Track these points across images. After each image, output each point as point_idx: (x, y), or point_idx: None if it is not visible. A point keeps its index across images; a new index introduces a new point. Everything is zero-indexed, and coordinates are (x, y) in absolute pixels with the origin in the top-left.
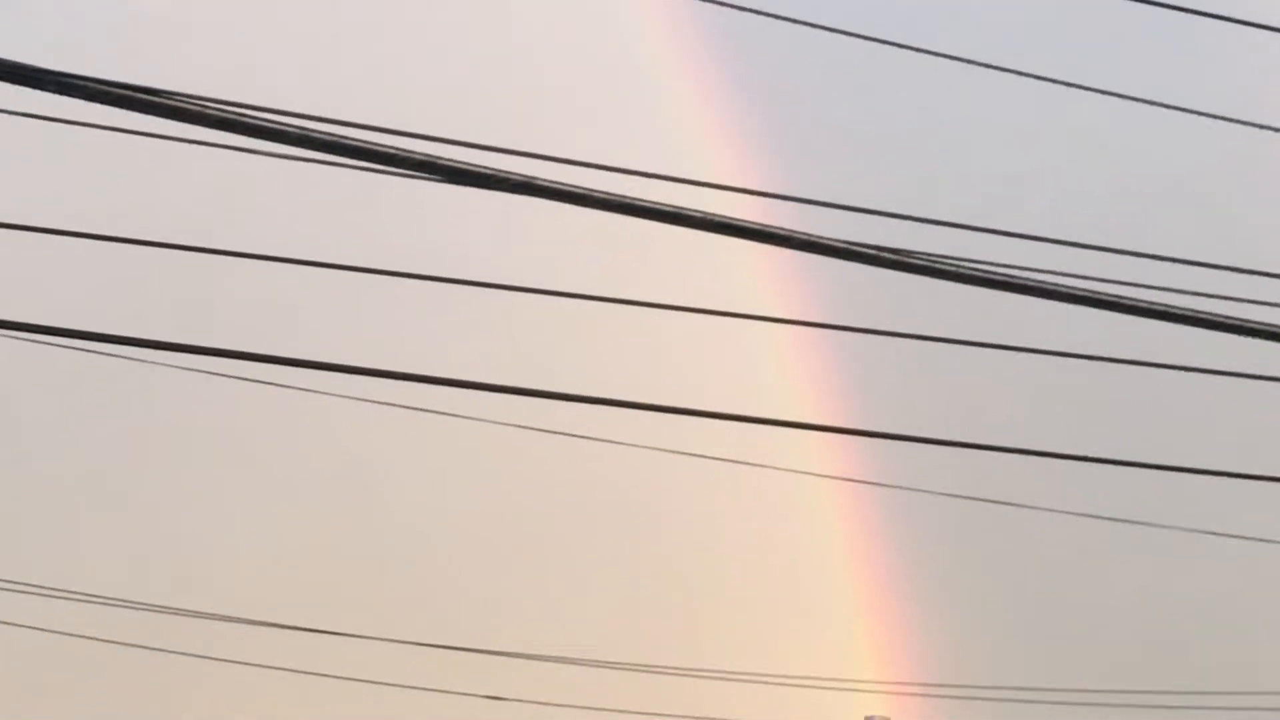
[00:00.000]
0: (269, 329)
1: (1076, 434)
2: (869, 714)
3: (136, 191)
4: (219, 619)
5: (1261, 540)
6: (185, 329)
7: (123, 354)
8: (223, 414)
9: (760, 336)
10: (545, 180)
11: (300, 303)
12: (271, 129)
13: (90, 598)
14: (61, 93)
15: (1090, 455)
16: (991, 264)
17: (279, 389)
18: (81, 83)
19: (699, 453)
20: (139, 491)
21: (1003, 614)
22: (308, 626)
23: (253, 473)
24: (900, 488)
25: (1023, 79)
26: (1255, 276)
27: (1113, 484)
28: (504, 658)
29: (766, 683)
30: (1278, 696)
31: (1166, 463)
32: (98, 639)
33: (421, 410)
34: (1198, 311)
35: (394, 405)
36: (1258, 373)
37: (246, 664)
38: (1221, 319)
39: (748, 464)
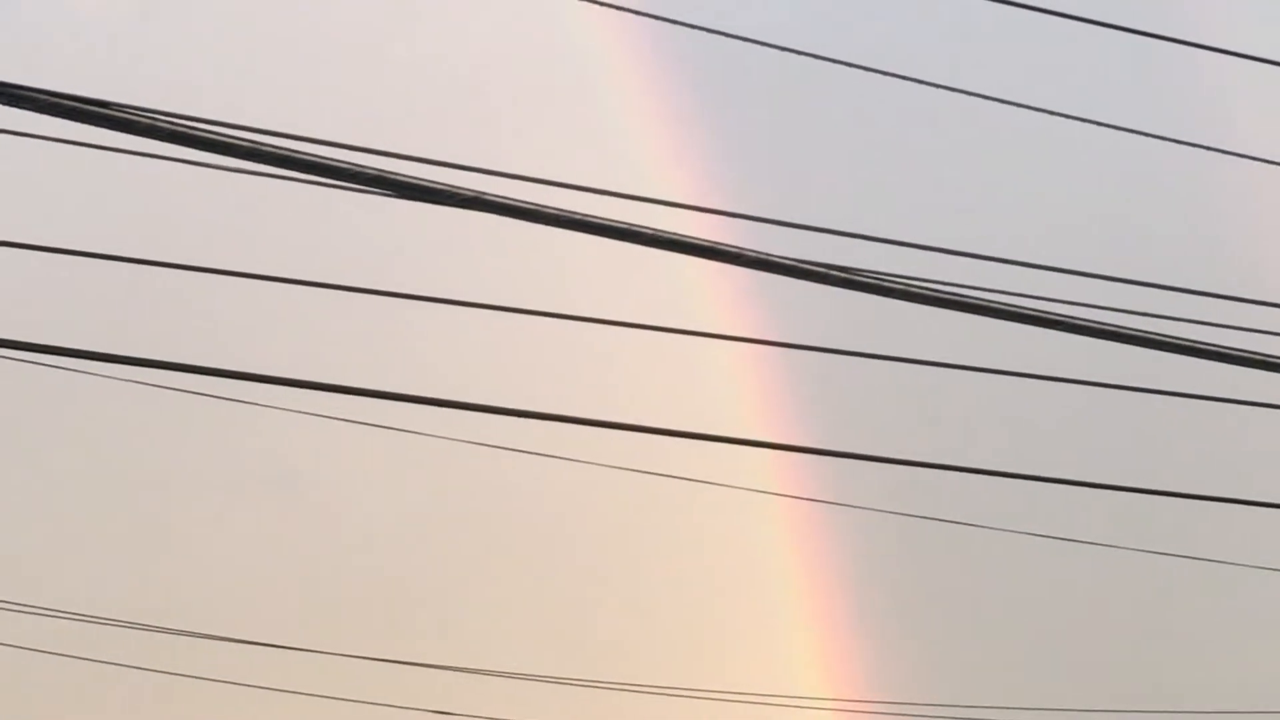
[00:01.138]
0: (218, 341)
1: (1028, 453)
2: None
3: (74, 202)
4: (151, 630)
5: (1213, 561)
6: (127, 341)
7: (52, 364)
8: (158, 425)
9: (710, 354)
10: (494, 195)
11: (245, 314)
12: (222, 142)
13: (10, 606)
14: (10, 104)
15: (1042, 475)
16: (942, 283)
17: (213, 400)
18: (31, 94)
19: (649, 469)
20: (64, 502)
21: (955, 633)
22: (247, 639)
23: (189, 484)
24: (852, 506)
25: (979, 99)
26: (1203, 298)
27: (1065, 503)
28: (452, 672)
29: (715, 699)
30: (1234, 715)
31: (1119, 482)
32: (22, 647)
33: (363, 424)
34: (1144, 331)
35: (333, 418)
36: (1203, 393)
37: (178, 675)
38: (1169, 339)
39: (697, 481)
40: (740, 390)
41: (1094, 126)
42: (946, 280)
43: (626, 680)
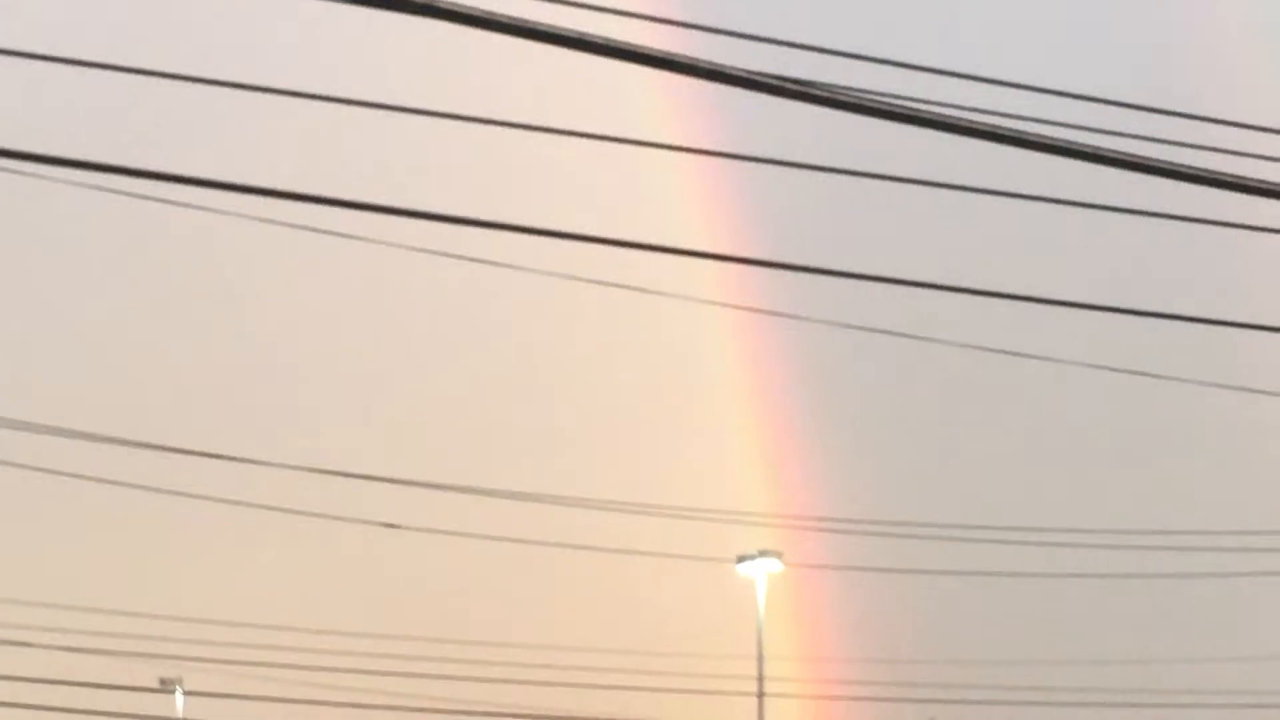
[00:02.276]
0: (152, 143)
1: (977, 266)
2: (761, 547)
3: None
4: (96, 440)
5: (1154, 376)
6: (58, 141)
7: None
8: (89, 228)
9: (664, 166)
10: (446, 3)
11: (179, 117)
12: None
13: None
14: None
15: (985, 289)
16: (890, 96)
17: (143, 201)
18: None
19: (602, 280)
20: None
21: (899, 447)
22: (194, 450)
23: (123, 292)
24: (798, 318)
25: None
26: (1187, 121)
27: (1010, 318)
28: (400, 485)
29: (660, 514)
30: (1178, 535)
31: (1059, 297)
32: None
33: (306, 229)
34: (1113, 151)
35: (273, 223)
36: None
37: (126, 486)
38: (1142, 160)
39: (649, 292)
40: (694, 203)
41: None
42: (904, 95)
43: (577, 494)
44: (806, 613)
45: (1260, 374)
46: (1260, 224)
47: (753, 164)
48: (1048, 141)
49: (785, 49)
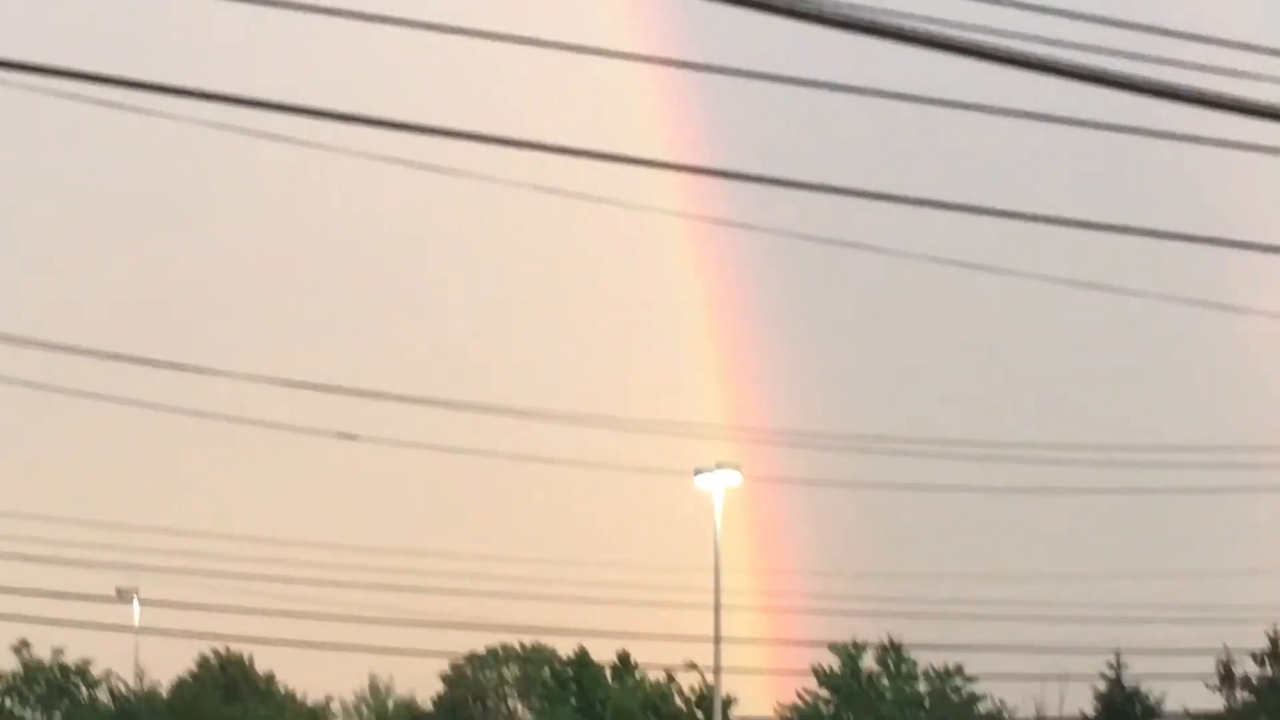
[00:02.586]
0: (117, 47)
1: (937, 180)
2: (719, 460)
3: None
4: (48, 347)
5: (1116, 291)
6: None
7: None
8: (44, 135)
9: (617, 74)
10: None
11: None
12: None
13: None
14: None
15: (940, 200)
16: (851, 4)
17: (104, 109)
18: None
19: (554, 189)
20: None
21: (859, 361)
22: (148, 358)
23: (86, 200)
24: (757, 228)
25: None
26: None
27: (972, 232)
28: (357, 397)
29: (618, 427)
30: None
31: (1018, 209)
32: None
33: (265, 137)
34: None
35: (230, 128)
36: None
37: (77, 394)
38: (1133, 79)
39: (607, 201)
40: (656, 114)
41: None
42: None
43: (534, 406)
44: (764, 526)
45: (1238, 291)
46: (1241, 141)
47: (716, 75)
48: (1020, 57)
49: None
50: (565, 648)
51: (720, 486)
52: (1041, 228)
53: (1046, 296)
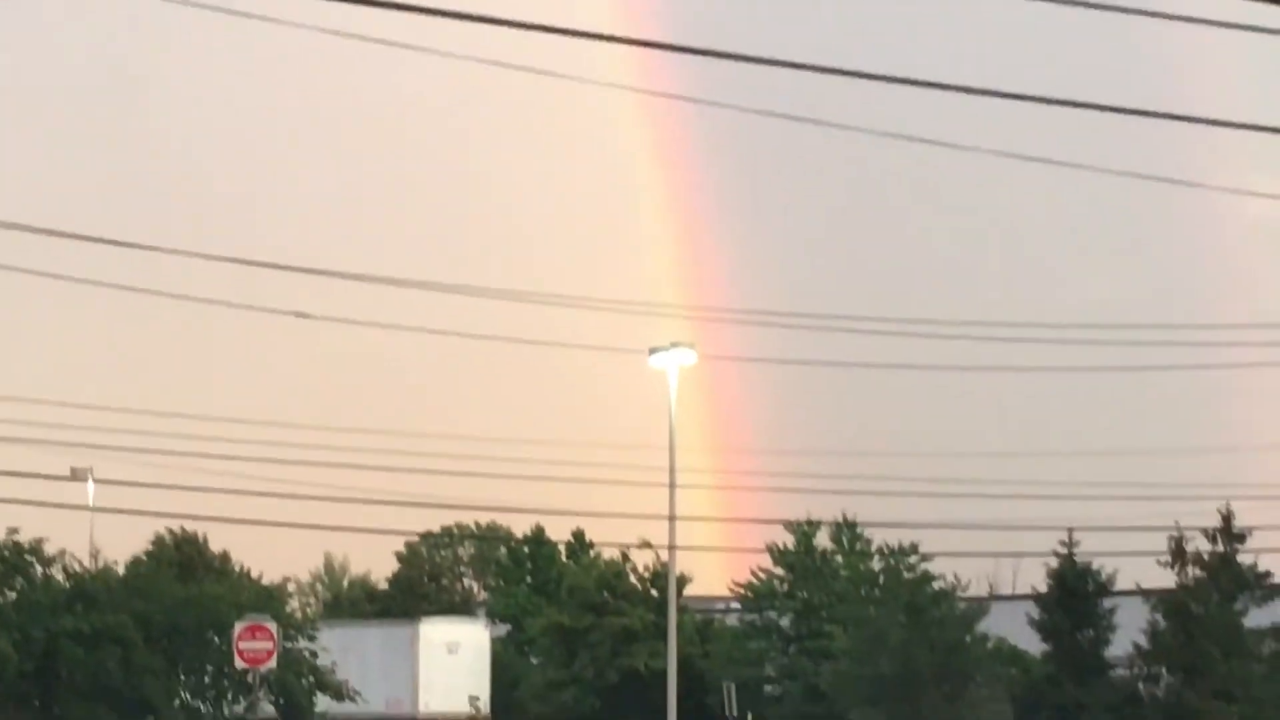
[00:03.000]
0: None
1: (895, 54)
2: (674, 338)
3: None
4: (7, 227)
5: (1086, 168)
6: None
7: None
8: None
9: None
10: None
11: None
12: None
13: None
14: None
15: (903, 76)
16: None
17: None
18: None
19: (510, 63)
20: None
21: (817, 239)
22: (107, 238)
23: (43, 78)
24: (714, 104)
25: None
26: None
27: (939, 108)
28: (312, 275)
29: (572, 305)
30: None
31: (990, 87)
32: None
33: (223, 11)
34: None
35: (189, 3)
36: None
37: (36, 274)
38: None
39: (561, 76)
40: None
41: None
42: None
43: (484, 285)
44: (719, 404)
45: (1193, 167)
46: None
47: None
48: None
49: None
50: (521, 526)
51: (675, 365)
52: (1005, 103)
53: (1011, 173)
